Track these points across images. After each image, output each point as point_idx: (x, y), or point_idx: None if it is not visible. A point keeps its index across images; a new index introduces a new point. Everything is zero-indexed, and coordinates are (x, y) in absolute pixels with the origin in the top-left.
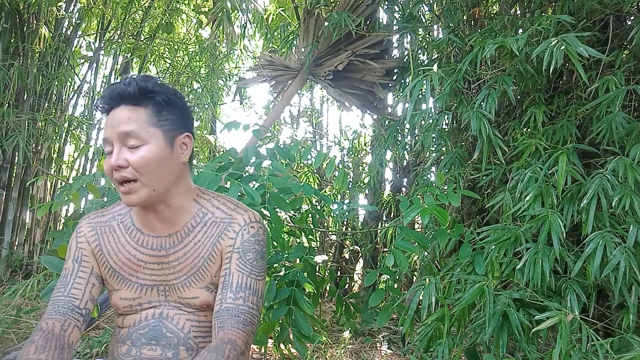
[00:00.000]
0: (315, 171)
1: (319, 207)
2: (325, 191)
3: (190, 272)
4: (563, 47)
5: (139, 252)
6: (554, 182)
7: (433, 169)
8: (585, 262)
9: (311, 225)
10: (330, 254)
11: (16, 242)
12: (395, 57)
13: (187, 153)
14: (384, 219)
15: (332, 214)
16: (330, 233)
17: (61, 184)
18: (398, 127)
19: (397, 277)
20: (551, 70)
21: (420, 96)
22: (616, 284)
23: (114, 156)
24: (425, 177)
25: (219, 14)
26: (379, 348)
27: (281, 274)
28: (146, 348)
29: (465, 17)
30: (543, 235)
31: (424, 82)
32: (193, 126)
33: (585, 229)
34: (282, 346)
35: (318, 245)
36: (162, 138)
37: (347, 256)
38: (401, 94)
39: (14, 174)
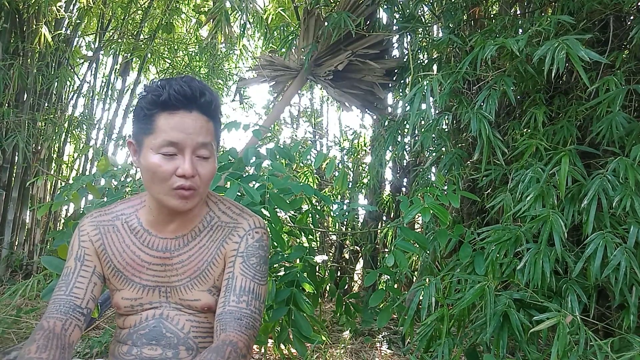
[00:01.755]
0: (315, 171)
1: (318, 207)
2: (325, 192)
3: (194, 275)
4: (564, 51)
5: (144, 253)
6: (555, 182)
7: (433, 169)
8: (586, 263)
9: (311, 226)
10: (330, 254)
11: (16, 242)
12: (395, 57)
13: None
14: (384, 219)
15: (332, 214)
16: (330, 233)
17: (61, 184)
18: (398, 128)
19: (397, 278)
20: (553, 73)
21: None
22: (617, 284)
23: (188, 164)
24: (425, 178)
25: (218, 14)
26: (379, 348)
27: (281, 274)
28: (147, 348)
29: (465, 17)
30: (544, 236)
31: (424, 89)
32: None
33: (585, 229)
34: (282, 346)
35: (318, 245)
36: (216, 151)
37: (347, 256)
38: (401, 95)
39: (14, 174)
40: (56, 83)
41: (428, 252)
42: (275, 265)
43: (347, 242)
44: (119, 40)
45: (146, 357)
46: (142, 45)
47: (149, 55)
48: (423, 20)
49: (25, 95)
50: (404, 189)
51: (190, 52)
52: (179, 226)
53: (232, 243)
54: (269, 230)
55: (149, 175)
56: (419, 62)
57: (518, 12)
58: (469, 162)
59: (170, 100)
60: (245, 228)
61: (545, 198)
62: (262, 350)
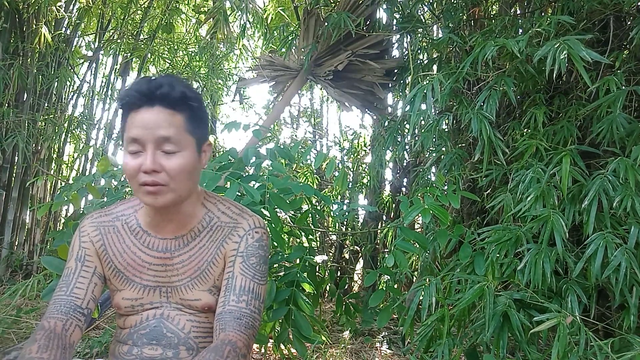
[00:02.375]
0: (315, 172)
1: (318, 208)
2: (325, 192)
3: (194, 275)
4: (566, 52)
5: (144, 254)
6: (555, 182)
7: (433, 169)
8: (586, 263)
9: (311, 226)
10: (330, 254)
11: (16, 242)
12: (395, 57)
13: (207, 160)
14: (384, 219)
15: (332, 214)
16: (330, 233)
17: (61, 184)
18: (398, 128)
19: (397, 278)
20: (555, 74)
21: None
22: (617, 285)
23: (149, 159)
24: (425, 178)
25: (217, 14)
26: (379, 348)
27: (281, 274)
28: (147, 348)
29: (465, 17)
30: (545, 236)
31: (425, 88)
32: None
33: (586, 229)
34: (282, 346)
35: (318, 245)
36: (194, 146)
37: (347, 256)
38: (401, 95)
39: (14, 174)
40: (56, 83)
41: (428, 252)
42: (275, 265)
43: (347, 242)
44: (119, 40)
45: (147, 357)
46: (142, 46)
47: (149, 55)
48: (423, 20)
49: (25, 95)
50: (404, 189)
51: (190, 52)
52: (177, 227)
53: (232, 243)
54: (268, 230)
55: (125, 175)
56: (419, 62)
57: (518, 12)
58: (468, 162)
59: (131, 100)
60: (245, 228)
61: (546, 198)
62: (262, 350)
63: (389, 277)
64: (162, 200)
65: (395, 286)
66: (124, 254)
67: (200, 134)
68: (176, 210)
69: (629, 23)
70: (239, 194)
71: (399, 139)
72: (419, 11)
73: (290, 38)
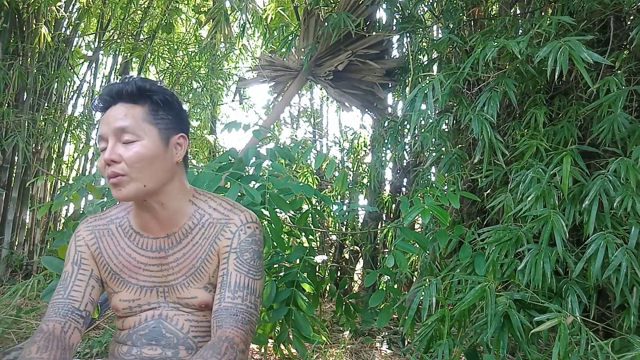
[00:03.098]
0: (315, 172)
1: (319, 208)
2: (325, 192)
3: (189, 272)
4: (567, 53)
5: (139, 255)
6: (556, 182)
7: (433, 169)
8: (586, 263)
9: (311, 226)
10: (330, 254)
11: (16, 242)
12: (395, 57)
13: (182, 153)
14: (384, 219)
15: (332, 215)
16: (330, 233)
17: (61, 184)
18: (399, 128)
19: (397, 278)
20: (556, 75)
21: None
22: (617, 285)
23: (107, 151)
24: (425, 178)
25: (217, 14)
26: (379, 348)
27: (281, 274)
28: (146, 348)
29: (465, 18)
30: (545, 236)
31: (426, 89)
32: (188, 128)
33: (586, 229)
34: (282, 346)
35: (318, 245)
36: (157, 135)
37: (347, 256)
38: (401, 95)
39: (14, 174)
40: (56, 83)
41: (428, 252)
42: (275, 266)
43: (347, 242)
44: (119, 40)
45: (146, 356)
46: (142, 46)
47: (149, 55)
48: (423, 20)
49: (25, 95)
50: (404, 189)
51: (190, 52)
52: (166, 225)
53: (224, 239)
54: (261, 224)
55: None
56: (419, 62)
57: (518, 12)
58: (468, 163)
59: (98, 104)
60: (237, 224)
61: (546, 198)
62: (262, 350)
63: (389, 277)
64: (126, 192)
65: (395, 286)
66: (119, 256)
67: (166, 125)
68: (158, 206)
69: (629, 23)
70: (239, 195)
71: (399, 139)
72: (419, 11)
73: (290, 38)
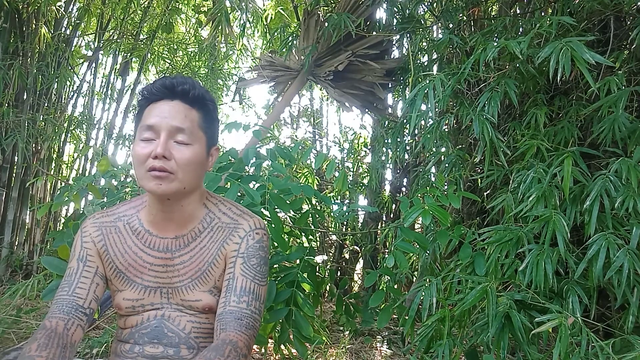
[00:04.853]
0: (315, 172)
1: (319, 208)
2: (325, 193)
3: (195, 275)
4: (569, 53)
5: (145, 254)
6: (556, 183)
7: (433, 169)
8: (588, 264)
9: (311, 226)
10: (330, 254)
11: (16, 242)
12: (395, 57)
13: (212, 164)
14: (384, 219)
15: (332, 215)
16: (330, 233)
17: (61, 184)
18: (400, 129)
19: (397, 278)
20: (559, 77)
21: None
22: (619, 286)
23: (161, 145)
24: (426, 178)
25: (218, 14)
26: (379, 348)
27: (282, 275)
28: (149, 346)
29: (464, 18)
30: (547, 236)
31: (427, 89)
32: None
33: (587, 230)
34: (282, 347)
35: (318, 245)
36: (205, 143)
37: (347, 256)
38: (401, 95)
39: (14, 174)
40: (56, 83)
41: (428, 252)
42: (275, 266)
43: (347, 242)
44: (119, 40)
45: (148, 354)
46: (142, 45)
47: (149, 55)
48: (423, 21)
49: (25, 95)
50: (404, 189)
51: (190, 52)
52: (178, 226)
53: (232, 244)
54: (269, 231)
55: (134, 162)
56: (419, 62)
57: (518, 12)
58: (469, 163)
59: (153, 92)
60: (246, 229)
61: (548, 198)
62: (263, 350)
63: (389, 278)
64: (166, 187)
65: (396, 286)
66: (125, 254)
67: (211, 134)
68: (177, 207)
69: (628, 23)
70: (239, 195)
71: (399, 140)
72: (419, 12)
73: (290, 38)
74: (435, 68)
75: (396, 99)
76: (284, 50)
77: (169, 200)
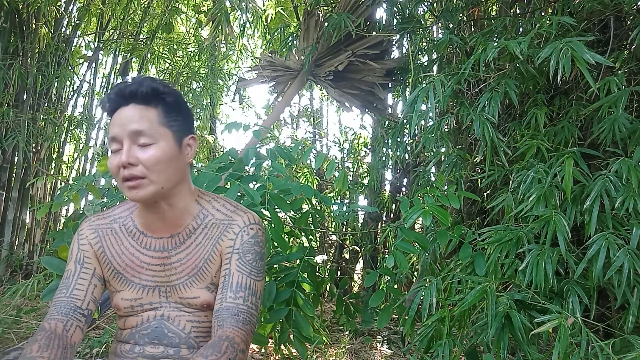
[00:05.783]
0: (315, 172)
1: (319, 208)
2: (326, 193)
3: (192, 272)
4: (569, 54)
5: (142, 254)
6: (557, 183)
7: (433, 169)
8: (588, 264)
9: (311, 226)
10: (330, 254)
11: (16, 242)
12: (395, 57)
13: (192, 154)
14: (384, 219)
15: (332, 215)
16: (330, 233)
17: (61, 184)
18: (400, 129)
19: (397, 278)
20: (559, 77)
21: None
22: (620, 286)
23: (124, 153)
24: (426, 178)
25: (218, 14)
26: (379, 348)
27: (282, 275)
28: (149, 346)
29: (464, 18)
30: (547, 236)
31: (427, 90)
32: (194, 128)
33: (587, 230)
34: (282, 347)
35: (318, 245)
36: (171, 138)
37: (347, 256)
38: (401, 96)
39: (14, 174)
40: (56, 83)
41: (428, 252)
42: (275, 266)
43: (347, 242)
44: (119, 40)
45: (148, 354)
46: (142, 45)
47: (149, 55)
48: (423, 21)
49: (25, 95)
50: (404, 189)
51: (190, 52)
52: (171, 225)
53: (227, 240)
54: (264, 226)
55: (112, 175)
56: (419, 63)
57: (518, 12)
58: (469, 163)
59: (110, 104)
60: (240, 225)
61: (548, 199)
62: (263, 350)
63: (389, 278)
64: (143, 193)
65: (396, 286)
66: (122, 255)
67: (179, 127)
68: (167, 206)
69: (628, 23)
70: (239, 195)
71: (399, 140)
72: (419, 11)
73: (290, 39)
74: (435, 68)
75: (396, 99)
76: (284, 50)
77: (156, 202)
